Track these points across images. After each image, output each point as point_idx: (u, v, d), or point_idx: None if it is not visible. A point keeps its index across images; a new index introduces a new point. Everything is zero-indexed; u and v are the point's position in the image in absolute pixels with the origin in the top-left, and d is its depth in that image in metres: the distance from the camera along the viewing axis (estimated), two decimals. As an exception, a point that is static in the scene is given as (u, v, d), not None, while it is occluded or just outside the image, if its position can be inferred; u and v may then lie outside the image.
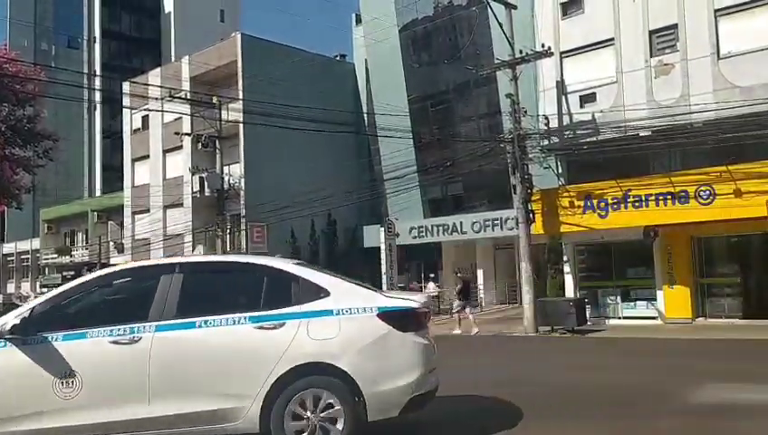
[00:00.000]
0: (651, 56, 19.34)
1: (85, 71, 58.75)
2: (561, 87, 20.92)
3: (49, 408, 5.44)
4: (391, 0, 29.56)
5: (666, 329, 18.17)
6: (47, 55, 65.51)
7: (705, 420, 6.74)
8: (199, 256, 7.58)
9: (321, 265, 28.72)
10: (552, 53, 19.72)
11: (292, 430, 5.51)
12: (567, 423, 6.83)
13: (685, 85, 18.61)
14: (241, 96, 29.36)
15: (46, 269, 46.92)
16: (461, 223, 26.83)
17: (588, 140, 19.97)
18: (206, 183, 30.17)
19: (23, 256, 52.15)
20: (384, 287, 25.17)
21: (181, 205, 34.12)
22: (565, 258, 21.12)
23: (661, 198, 18.13)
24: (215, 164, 29.68)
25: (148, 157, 37.91)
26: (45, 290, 47.12)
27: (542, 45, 19.68)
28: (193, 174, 31.61)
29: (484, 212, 26.54)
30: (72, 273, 43.66)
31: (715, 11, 18.27)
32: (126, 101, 38.64)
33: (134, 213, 38.40)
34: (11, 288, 51.97)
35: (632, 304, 20.20)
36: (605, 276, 20.90)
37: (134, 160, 39.42)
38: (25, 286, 50.76)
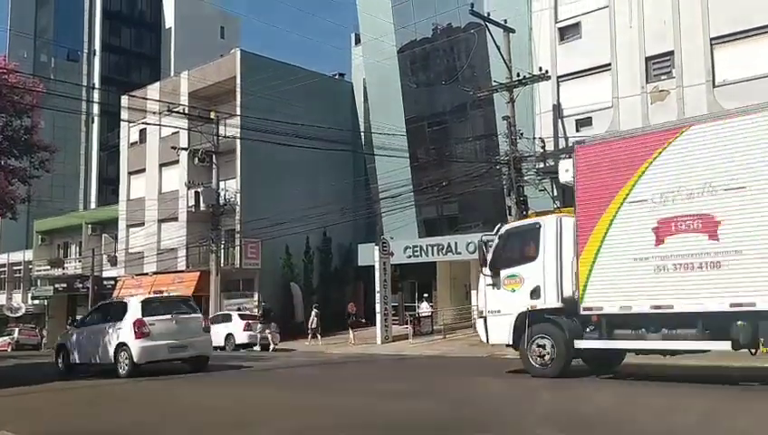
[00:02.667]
0: (647, 82, 19.55)
1: (84, 83, 58.89)
2: (557, 110, 21.08)
3: None
4: (391, 21, 29.80)
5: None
6: (46, 67, 65.61)
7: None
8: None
9: (314, 282, 28.41)
10: (549, 77, 19.91)
11: None
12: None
13: (680, 111, 18.78)
14: (239, 112, 29.45)
15: (38, 281, 46.62)
16: (456, 243, 26.84)
17: (583, 163, 20.03)
18: (201, 198, 30.14)
19: (15, 268, 51.82)
20: (377, 306, 25.15)
21: (176, 219, 34.06)
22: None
23: (655, 222, 18.17)
24: (211, 179, 29.71)
25: (144, 170, 37.90)
26: (36, 302, 46.81)
27: (540, 69, 19.88)
28: (189, 188, 31.60)
29: (480, 233, 26.55)
30: (65, 285, 43.45)
31: (711, 39, 18.50)
32: (124, 114, 38.71)
33: (129, 226, 38.30)
34: (2, 299, 51.55)
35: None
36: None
37: (130, 174, 39.41)
38: (17, 298, 50.37)
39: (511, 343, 11.59)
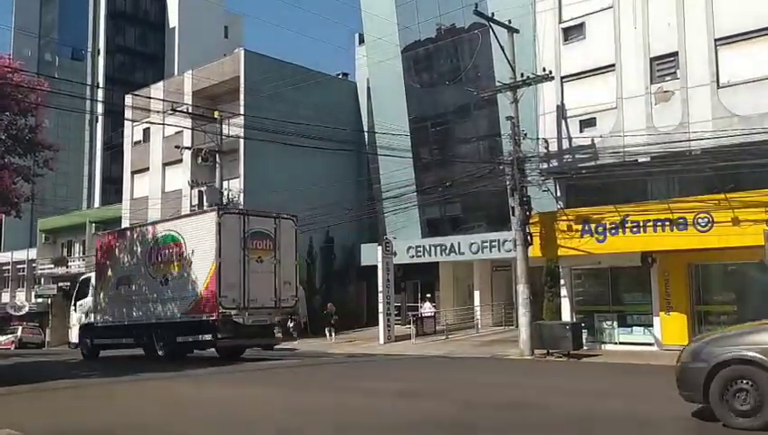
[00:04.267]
0: (651, 83, 19.47)
1: (88, 83, 59.01)
2: (561, 111, 21.03)
3: None
4: (394, 21, 29.77)
5: (662, 355, 18.05)
6: (51, 66, 65.82)
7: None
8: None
9: (318, 282, 29.04)
10: (552, 78, 19.84)
11: None
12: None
13: (684, 112, 18.73)
14: (242, 111, 29.46)
15: (42, 279, 46.72)
16: (459, 243, 26.81)
17: (587, 164, 20.04)
18: (204, 197, 30.12)
19: (18, 266, 51.95)
20: (380, 306, 25.20)
21: (179, 218, 34.06)
22: (562, 282, 21.08)
23: (659, 224, 18.16)
24: (214, 178, 29.72)
25: (147, 169, 37.96)
26: (40, 300, 46.94)
27: (543, 69, 19.81)
28: (192, 188, 31.59)
29: (483, 233, 26.55)
30: (68, 284, 43.52)
31: (716, 40, 18.42)
32: (128, 113, 38.77)
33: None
34: (5, 298, 51.67)
35: (629, 329, 20.12)
36: (602, 301, 20.84)
37: (134, 173, 39.47)
38: (20, 296, 50.48)
39: (76, 341, 23.86)
